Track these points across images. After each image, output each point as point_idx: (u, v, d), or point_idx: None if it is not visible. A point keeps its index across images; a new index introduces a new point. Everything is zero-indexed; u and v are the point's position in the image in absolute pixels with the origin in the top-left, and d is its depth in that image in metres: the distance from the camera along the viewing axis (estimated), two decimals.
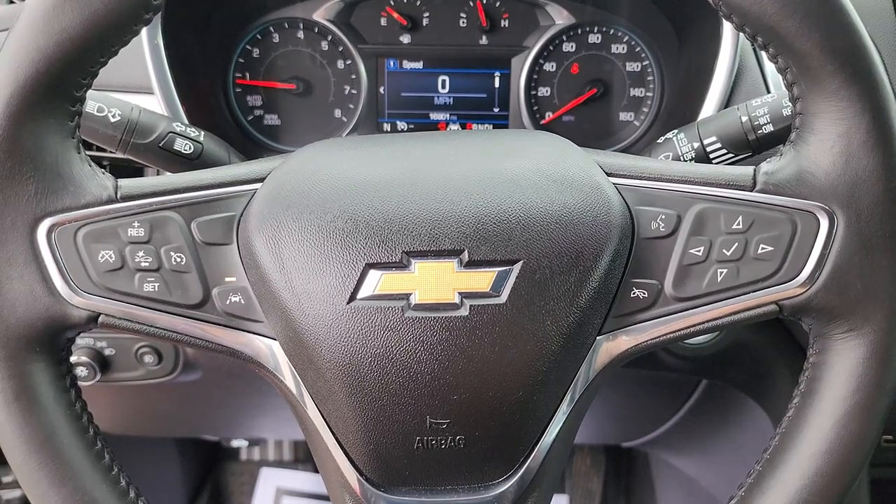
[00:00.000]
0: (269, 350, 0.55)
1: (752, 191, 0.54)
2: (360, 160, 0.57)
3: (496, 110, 1.01)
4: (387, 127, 1.01)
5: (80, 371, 0.91)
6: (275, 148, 1.01)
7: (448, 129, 1.01)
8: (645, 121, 1.00)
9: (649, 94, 0.99)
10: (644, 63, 0.98)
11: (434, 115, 1.01)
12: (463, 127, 1.01)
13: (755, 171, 0.55)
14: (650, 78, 0.99)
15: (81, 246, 0.53)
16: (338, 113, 1.00)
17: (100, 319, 0.54)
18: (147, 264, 0.54)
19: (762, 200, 0.54)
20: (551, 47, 0.98)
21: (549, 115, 1.00)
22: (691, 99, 0.88)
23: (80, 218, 0.53)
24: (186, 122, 0.81)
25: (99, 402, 1.08)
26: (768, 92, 0.83)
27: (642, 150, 0.78)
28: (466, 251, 0.52)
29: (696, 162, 0.72)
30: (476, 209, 0.52)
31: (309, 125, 1.00)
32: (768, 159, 0.56)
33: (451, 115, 1.01)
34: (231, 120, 1.00)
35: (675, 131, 0.73)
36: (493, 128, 1.01)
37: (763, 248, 0.54)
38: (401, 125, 1.01)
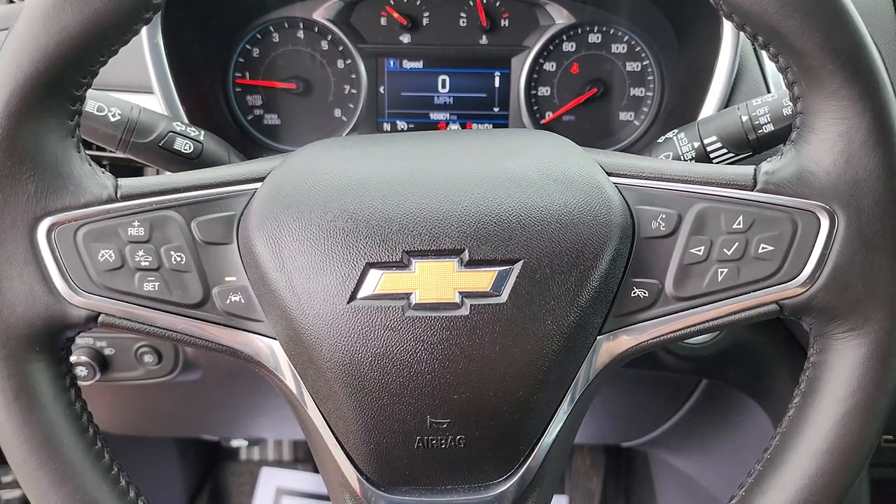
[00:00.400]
0: (270, 350, 0.55)
1: (752, 190, 0.54)
2: (361, 159, 0.57)
3: (496, 110, 1.00)
4: (387, 126, 1.01)
5: (80, 371, 0.91)
6: (275, 147, 1.01)
7: (448, 128, 1.01)
8: (645, 120, 1.00)
9: (649, 93, 0.99)
10: (644, 63, 0.98)
11: (434, 115, 1.01)
12: (463, 127, 1.01)
13: (756, 170, 0.55)
14: (650, 77, 0.99)
15: (81, 245, 0.53)
16: (338, 112, 1.00)
17: (100, 319, 0.54)
18: (147, 264, 0.54)
19: (763, 200, 0.54)
20: (551, 47, 0.98)
21: (549, 115, 1.00)
22: (691, 98, 0.88)
23: (80, 217, 0.53)
24: (186, 121, 0.81)
25: (99, 401, 1.08)
26: (769, 91, 0.83)
27: (642, 149, 0.78)
28: (467, 251, 0.52)
29: (696, 161, 0.72)
30: (476, 209, 0.52)
31: (309, 125, 1.00)
32: (769, 159, 0.55)
33: (451, 114, 1.01)
34: (231, 119, 0.99)
35: (676, 131, 0.73)
36: (494, 127, 1.01)
37: (764, 248, 0.54)
38: (401, 125, 1.01)
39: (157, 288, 0.54)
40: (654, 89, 0.99)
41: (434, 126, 1.01)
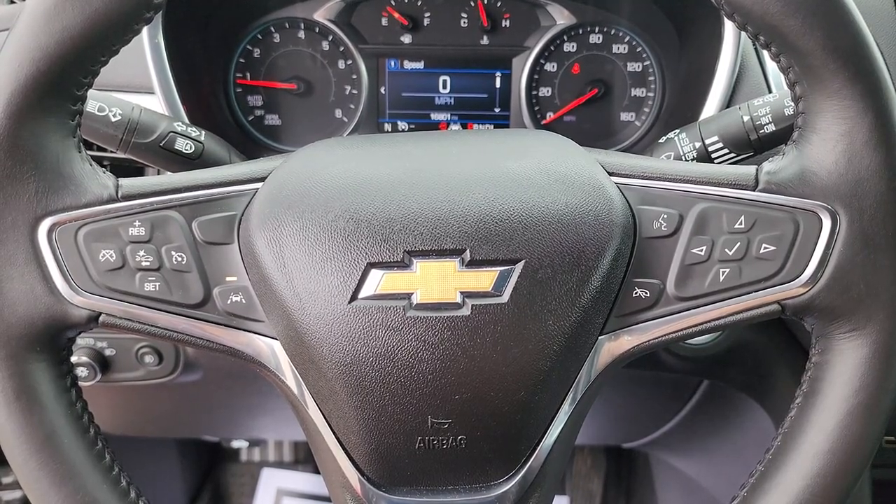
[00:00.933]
0: (270, 350, 0.55)
1: (754, 190, 0.54)
2: (362, 159, 0.57)
3: (497, 110, 1.00)
4: (388, 127, 1.01)
5: (81, 371, 0.91)
6: (275, 148, 1.00)
7: (449, 129, 1.01)
8: (646, 121, 1.00)
9: (650, 94, 0.99)
10: (645, 63, 0.98)
11: (435, 116, 1.01)
12: (464, 127, 1.01)
13: (757, 170, 0.54)
14: (651, 78, 0.99)
15: (82, 245, 0.53)
16: (338, 113, 1.00)
17: (100, 319, 0.54)
18: (148, 264, 0.54)
19: (764, 200, 0.54)
20: (552, 47, 0.98)
21: (550, 116, 1.00)
22: (693, 99, 0.88)
23: (81, 217, 0.53)
24: (187, 122, 0.81)
25: (99, 402, 1.08)
26: (770, 92, 0.83)
27: (644, 149, 0.78)
28: (468, 250, 0.51)
29: (697, 162, 0.72)
30: (478, 208, 0.52)
31: (310, 125, 1.00)
32: (770, 159, 0.55)
33: (451, 115, 1.01)
34: (232, 120, 0.99)
35: (677, 131, 0.73)
36: (495, 128, 1.01)
37: (765, 248, 0.54)
38: (402, 125, 1.01)
39: (157, 288, 0.54)
40: (655, 90, 0.99)
41: (435, 126, 1.01)
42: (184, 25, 0.88)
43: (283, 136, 1.01)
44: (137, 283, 0.54)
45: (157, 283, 0.54)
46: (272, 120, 1.00)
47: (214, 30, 0.95)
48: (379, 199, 0.53)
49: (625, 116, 1.00)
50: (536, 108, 1.00)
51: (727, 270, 0.54)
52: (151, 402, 1.14)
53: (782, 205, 0.54)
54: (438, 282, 0.51)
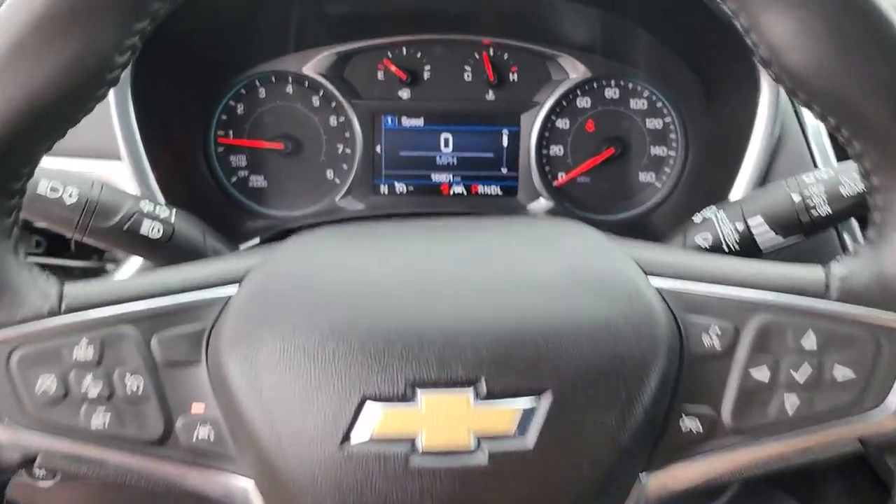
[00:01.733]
0: (243, 493, 0.46)
1: (824, 298, 0.45)
2: (356, 259, 0.48)
3: (504, 171, 0.92)
4: (384, 189, 0.93)
5: (39, 472, 0.81)
6: (261, 213, 0.92)
7: (451, 191, 0.92)
8: (667, 182, 0.91)
9: (672, 153, 0.91)
10: (666, 120, 0.90)
11: (436, 177, 0.93)
12: (468, 189, 0.93)
13: (827, 273, 0.46)
14: (673, 136, 0.91)
15: (16, 371, 0.44)
16: (330, 174, 0.92)
17: (37, 461, 0.45)
18: (96, 392, 0.45)
19: (838, 312, 0.45)
20: (564, 103, 0.91)
21: (561, 177, 0.92)
22: (721, 161, 0.80)
23: (15, 337, 0.44)
24: (157, 188, 0.72)
25: (63, 501, 0.98)
26: (812, 157, 0.74)
27: (666, 216, 0.70)
28: (483, 380, 0.43)
29: (740, 245, 0.63)
30: (495, 325, 0.44)
31: (298, 187, 0.92)
32: (838, 258, 0.47)
33: (454, 175, 0.92)
34: (212, 182, 0.91)
35: (714, 208, 0.65)
36: (501, 190, 0.92)
37: (841, 372, 0.45)
38: (399, 187, 0.93)
39: (108, 422, 0.45)
40: (677, 149, 0.91)
41: (436, 188, 0.93)
42: (157, 79, 0.79)
43: (270, 198, 0.92)
44: (83, 416, 0.45)
45: (108, 416, 0.45)
46: (257, 181, 0.92)
47: (193, 84, 0.87)
48: (377, 314, 0.44)
49: (644, 177, 0.92)
50: (547, 169, 0.92)
51: (794, 398, 0.45)
52: (121, 495, 1.04)
53: (860, 319, 0.45)
54: (448, 421, 0.42)
